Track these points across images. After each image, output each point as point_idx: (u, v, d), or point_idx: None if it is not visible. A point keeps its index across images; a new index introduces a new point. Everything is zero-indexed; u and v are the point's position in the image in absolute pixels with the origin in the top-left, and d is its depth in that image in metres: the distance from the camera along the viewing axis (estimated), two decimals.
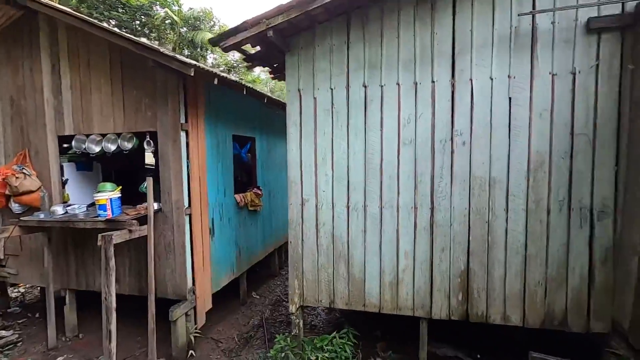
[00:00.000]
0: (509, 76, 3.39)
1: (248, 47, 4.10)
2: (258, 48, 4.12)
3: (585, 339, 3.60)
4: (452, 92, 3.53)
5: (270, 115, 6.54)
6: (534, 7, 3.28)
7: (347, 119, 3.81)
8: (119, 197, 4.19)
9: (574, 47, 3.24)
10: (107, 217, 4.02)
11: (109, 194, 4.11)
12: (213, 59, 15.12)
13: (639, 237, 2.95)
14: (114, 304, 3.62)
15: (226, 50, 3.78)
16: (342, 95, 3.81)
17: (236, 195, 5.48)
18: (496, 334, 4.39)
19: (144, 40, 4.64)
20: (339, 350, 3.84)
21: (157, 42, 14.52)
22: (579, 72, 3.23)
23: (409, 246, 3.74)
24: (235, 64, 15.08)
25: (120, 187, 4.32)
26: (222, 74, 4.52)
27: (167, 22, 13.91)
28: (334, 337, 3.97)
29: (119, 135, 4.46)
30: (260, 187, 6.11)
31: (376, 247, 3.83)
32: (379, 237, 3.81)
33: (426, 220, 3.67)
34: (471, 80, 3.47)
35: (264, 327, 5.18)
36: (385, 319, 4.45)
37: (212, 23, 14.48)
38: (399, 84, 3.65)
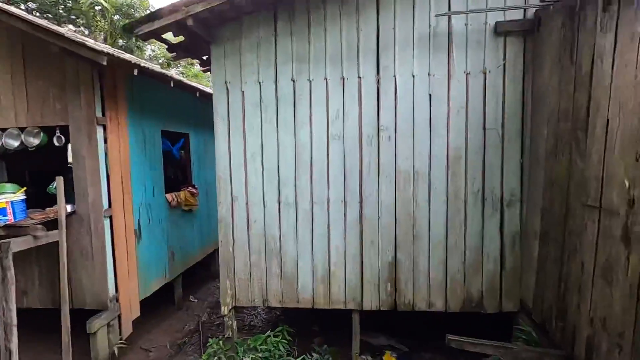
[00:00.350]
0: (429, 74, 3.55)
1: (172, 37, 3.86)
2: (182, 38, 3.89)
3: (499, 320, 3.89)
4: (378, 88, 3.62)
5: (206, 110, 6.22)
6: (449, 8, 3.45)
7: (277, 113, 3.74)
8: (22, 199, 3.73)
9: (485, 48, 3.47)
10: (7, 223, 3.56)
11: (9, 196, 3.65)
12: (151, 51, 14.17)
13: (539, 223, 3.25)
14: (14, 320, 3.21)
15: (144, 38, 3.53)
16: (271, 89, 3.73)
17: (168, 195, 5.17)
18: (423, 321, 4.61)
19: (70, 27, 4.18)
20: (273, 349, 3.78)
21: (86, 31, 13.26)
22: (489, 71, 3.47)
23: (339, 240, 3.78)
24: None
25: (25, 188, 3.85)
26: (145, 64, 4.21)
27: (96, 8, 12.75)
28: (268, 336, 3.91)
29: (22, 129, 3.98)
30: (196, 186, 5.84)
31: (308, 243, 3.82)
32: (310, 233, 3.81)
33: (356, 214, 3.73)
34: (395, 76, 3.58)
35: (200, 331, 4.95)
36: (324, 314, 4.47)
37: (148, 12, 13.54)
38: (326, 79, 3.66)
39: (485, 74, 3.48)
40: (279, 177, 3.80)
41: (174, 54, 4.14)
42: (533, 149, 3.38)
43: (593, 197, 2.53)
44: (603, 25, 2.48)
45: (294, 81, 3.70)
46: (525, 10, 3.39)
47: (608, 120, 2.42)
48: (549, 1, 3.13)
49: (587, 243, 2.59)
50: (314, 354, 4.02)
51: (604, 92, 2.45)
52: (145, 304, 4.64)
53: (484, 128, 3.51)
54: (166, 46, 4.03)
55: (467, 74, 3.50)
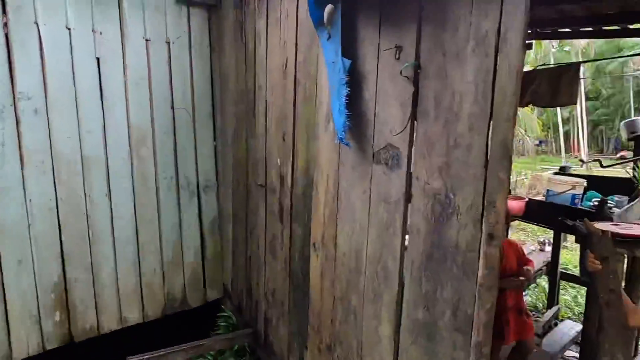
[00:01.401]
0: (93, 30, 2.73)
1: None
2: None
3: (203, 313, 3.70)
4: (7, 37, 2.45)
5: None
6: None
7: None
8: None
9: (166, 15, 3.03)
10: None
11: None
12: None
13: (231, 207, 3.23)
14: None
15: None
16: None
17: None
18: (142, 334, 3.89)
19: None
20: None
21: None
22: (173, 42, 3.08)
23: None
24: None
25: None
26: None
27: None
28: None
29: None
30: None
31: None
32: None
33: None
34: (37, 24, 2.53)
35: None
36: None
37: None
38: None
39: (169, 44, 3.06)
40: None
41: None
42: (223, 131, 3.31)
43: (261, 177, 2.62)
44: (259, 8, 2.55)
45: None
46: None
47: (267, 103, 2.52)
48: None
49: (260, 221, 2.69)
50: None
51: (263, 75, 2.54)
52: None
53: (172, 107, 3.12)
54: None
55: (147, 41, 2.95)
